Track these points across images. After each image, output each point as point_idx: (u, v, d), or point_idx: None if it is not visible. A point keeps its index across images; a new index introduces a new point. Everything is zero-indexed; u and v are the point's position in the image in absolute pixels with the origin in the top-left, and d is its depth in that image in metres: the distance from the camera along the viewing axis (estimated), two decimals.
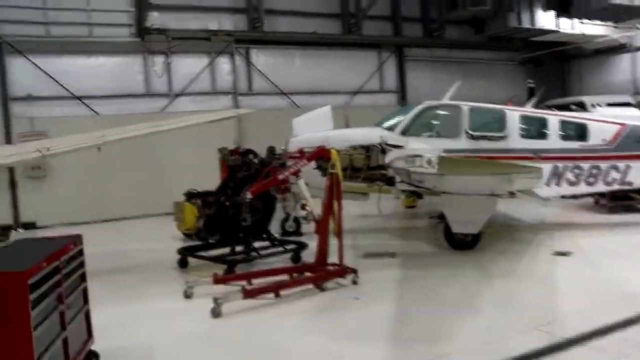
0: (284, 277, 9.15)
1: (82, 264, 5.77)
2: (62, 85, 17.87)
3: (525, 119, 12.57)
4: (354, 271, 9.03)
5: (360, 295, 8.40)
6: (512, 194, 10.35)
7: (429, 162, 9.03)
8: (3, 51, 17.41)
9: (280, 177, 9.49)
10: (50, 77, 17.75)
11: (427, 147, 10.88)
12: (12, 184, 17.44)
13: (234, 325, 7.39)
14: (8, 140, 17.07)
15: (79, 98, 18.07)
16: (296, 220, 13.10)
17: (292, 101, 21.06)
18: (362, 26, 22.22)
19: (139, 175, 17.78)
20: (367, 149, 11.36)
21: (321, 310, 8.01)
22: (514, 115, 12.46)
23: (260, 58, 21.08)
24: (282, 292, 8.35)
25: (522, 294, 8.24)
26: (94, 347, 6.02)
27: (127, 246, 13.40)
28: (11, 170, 17.13)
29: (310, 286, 8.71)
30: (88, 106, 18.19)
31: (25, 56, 17.53)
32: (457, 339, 6.62)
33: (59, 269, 4.99)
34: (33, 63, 17.61)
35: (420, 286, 8.88)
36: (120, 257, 12.03)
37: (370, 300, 8.18)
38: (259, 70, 20.84)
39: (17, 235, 15.73)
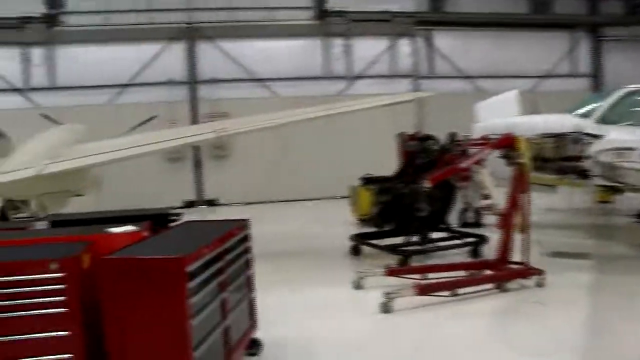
0: (461, 272, 8.48)
1: (248, 250, 5.54)
2: (244, 68, 18.37)
3: None
4: (540, 272, 8.14)
5: (546, 300, 7.52)
6: None
7: None
8: (192, 37, 18.24)
9: (462, 165, 8.79)
10: (234, 60, 18.30)
11: (632, 138, 9.59)
12: (198, 163, 18.26)
13: (404, 324, 6.87)
14: (195, 121, 17.91)
15: (260, 80, 18.48)
16: (476, 211, 12.28)
17: (476, 85, 20.03)
18: (553, 5, 20.58)
19: (316, 157, 17.92)
20: (558, 137, 10.30)
21: (501, 314, 7.27)
22: None
23: (442, 40, 20.34)
24: (459, 290, 7.70)
25: None
26: (257, 335, 5.82)
27: (301, 228, 13.42)
28: (197, 149, 17.95)
29: (490, 285, 7.97)
30: (269, 88, 18.56)
31: (211, 41, 18.23)
32: None
33: (222, 255, 4.77)
34: (218, 47, 18.26)
35: (617, 297, 7.73)
36: (293, 239, 12.04)
37: (558, 308, 7.26)
38: (440, 53, 20.06)
39: (199, 212, 16.46)
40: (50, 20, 18.25)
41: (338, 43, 19.40)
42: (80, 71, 18.06)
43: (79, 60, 18.19)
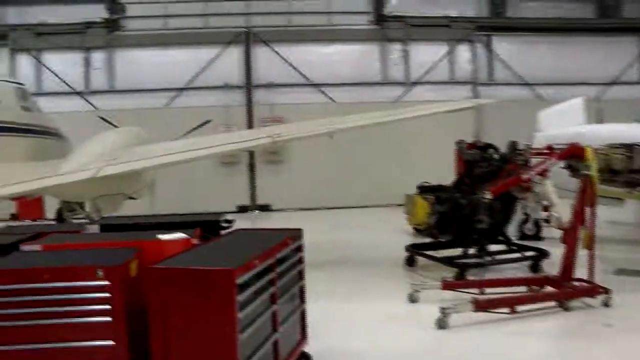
0: (521, 288, 8.09)
1: (300, 260, 5.36)
2: (300, 73, 18.29)
3: None
4: (606, 291, 7.69)
5: (613, 321, 7.08)
6: None
7: None
8: (249, 41, 18.27)
9: (526, 176, 8.40)
10: (290, 65, 18.24)
11: None
12: (251, 168, 18.25)
13: (460, 341, 6.56)
14: (250, 125, 17.93)
15: (316, 85, 18.36)
16: (536, 223, 11.82)
17: (537, 93, 19.45)
18: (621, 8, 19.81)
19: (371, 164, 17.68)
20: (628, 148, 9.78)
21: (564, 336, 6.92)
22: None
23: (503, 46, 19.85)
24: (519, 308, 7.33)
25: None
26: (307, 348, 5.59)
27: (355, 236, 13.21)
28: (252, 154, 17.95)
29: (552, 303, 7.57)
30: (325, 94, 18.42)
31: (268, 45, 18.22)
32: None
33: (273, 267, 4.59)
34: (275, 52, 18.23)
35: None
36: (346, 247, 11.87)
37: (627, 330, 6.82)
38: (501, 59, 19.56)
39: (251, 217, 16.38)
40: (111, 24, 18.57)
41: (396, 48, 19.15)
42: (138, 75, 18.34)
43: (138, 64, 18.49)
